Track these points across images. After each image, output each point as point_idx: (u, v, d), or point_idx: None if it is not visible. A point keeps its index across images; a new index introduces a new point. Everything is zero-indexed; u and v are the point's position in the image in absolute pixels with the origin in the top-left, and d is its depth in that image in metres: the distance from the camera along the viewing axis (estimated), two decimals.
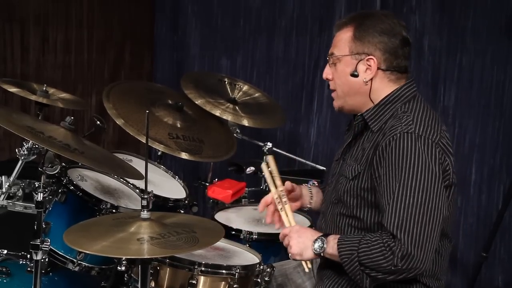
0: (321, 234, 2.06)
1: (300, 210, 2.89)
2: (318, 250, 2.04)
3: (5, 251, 2.64)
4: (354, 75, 2.09)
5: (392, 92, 2.09)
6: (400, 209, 1.92)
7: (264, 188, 3.17)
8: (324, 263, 2.19)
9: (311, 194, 2.39)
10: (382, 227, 1.97)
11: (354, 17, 2.13)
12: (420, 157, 1.94)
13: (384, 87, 2.10)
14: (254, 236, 2.65)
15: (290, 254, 2.10)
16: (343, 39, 2.10)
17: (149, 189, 1.99)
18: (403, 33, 2.09)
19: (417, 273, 1.93)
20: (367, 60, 2.07)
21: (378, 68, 2.08)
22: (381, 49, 2.06)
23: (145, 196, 1.96)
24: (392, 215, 1.92)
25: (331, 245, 2.01)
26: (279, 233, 2.41)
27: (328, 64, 2.17)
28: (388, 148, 1.97)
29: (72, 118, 2.27)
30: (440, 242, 2.05)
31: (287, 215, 2.21)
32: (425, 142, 1.96)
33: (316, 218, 2.66)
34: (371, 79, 2.09)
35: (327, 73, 2.17)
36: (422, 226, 1.90)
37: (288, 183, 2.33)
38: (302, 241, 2.07)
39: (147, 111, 1.96)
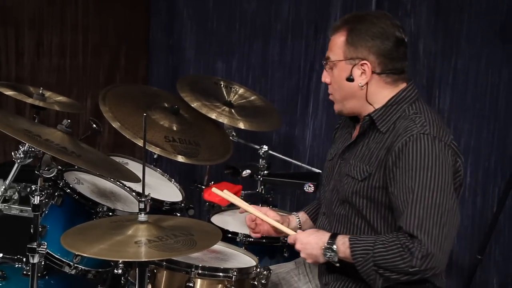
0: (328, 237, 2.05)
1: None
2: (331, 258, 2.04)
3: (1, 255, 2.63)
4: (350, 79, 2.10)
5: (398, 93, 2.11)
6: (419, 209, 1.93)
7: (260, 191, 3.18)
8: (325, 270, 2.19)
9: (299, 225, 2.40)
10: (399, 228, 1.97)
11: (348, 20, 2.13)
12: (437, 158, 1.96)
13: (381, 90, 2.11)
14: (250, 239, 2.65)
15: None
16: (337, 44, 2.12)
17: (146, 192, 1.99)
18: (397, 34, 2.09)
19: (433, 273, 1.94)
20: (361, 64, 2.08)
21: (373, 72, 2.08)
22: (374, 53, 2.07)
23: (143, 199, 1.96)
24: (411, 216, 1.93)
25: (342, 250, 2.02)
26: (275, 236, 2.43)
27: (326, 68, 2.18)
28: (405, 149, 1.97)
29: (69, 121, 2.26)
30: None
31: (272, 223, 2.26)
32: (439, 143, 1.98)
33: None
34: (367, 83, 2.09)
35: (325, 77, 2.18)
36: (441, 226, 1.92)
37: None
38: (310, 252, 2.08)
39: (145, 114, 1.96)
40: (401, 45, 2.10)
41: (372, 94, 2.10)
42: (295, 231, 2.20)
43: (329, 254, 2.03)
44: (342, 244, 2.02)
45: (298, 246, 2.12)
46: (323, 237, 2.07)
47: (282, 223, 2.31)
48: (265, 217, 2.29)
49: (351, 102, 2.14)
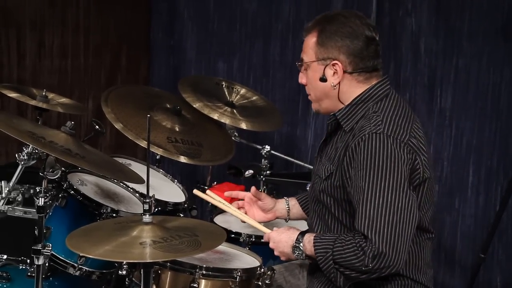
0: (296, 236, 2.11)
1: None
2: (299, 256, 2.11)
3: (5, 256, 2.63)
4: (323, 79, 2.12)
5: (364, 91, 2.12)
6: (370, 209, 1.94)
7: (262, 191, 3.17)
8: (314, 266, 2.21)
9: (288, 207, 2.45)
10: (354, 228, 2.00)
11: (318, 21, 2.15)
12: (389, 157, 1.96)
13: (353, 88, 2.12)
14: (253, 239, 2.65)
15: None
16: (309, 45, 2.14)
17: (150, 193, 1.99)
18: (366, 32, 2.09)
19: (390, 272, 1.95)
20: (333, 64, 2.10)
21: (344, 72, 2.10)
22: (344, 52, 2.08)
23: (147, 200, 1.97)
24: (362, 216, 1.95)
25: (308, 248, 2.07)
26: None
27: (300, 70, 2.21)
28: (358, 148, 1.99)
29: (72, 123, 2.27)
30: (419, 237, 2.08)
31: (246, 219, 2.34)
32: (393, 142, 1.98)
33: None
34: (339, 83, 2.11)
35: (301, 78, 2.21)
36: (392, 226, 1.93)
37: (253, 189, 2.42)
38: (282, 250, 2.15)
39: (148, 115, 1.96)
40: (371, 44, 2.10)
41: (344, 93, 2.12)
42: (271, 229, 2.24)
43: (297, 252, 2.10)
44: (308, 243, 2.07)
45: (271, 245, 2.18)
46: (292, 235, 2.12)
47: (271, 206, 2.41)
48: (244, 217, 2.36)
49: (325, 101, 2.16)
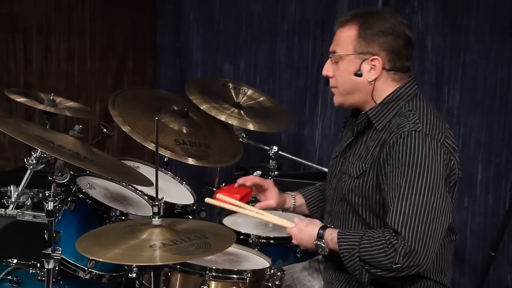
0: (316, 232, 2.07)
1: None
2: (323, 252, 2.09)
3: (15, 261, 2.64)
4: (358, 74, 2.09)
5: (395, 90, 2.10)
6: (406, 206, 1.93)
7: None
8: (331, 266, 2.20)
9: (293, 206, 2.43)
10: (385, 224, 1.98)
11: (358, 14, 2.11)
12: (428, 156, 1.95)
13: (387, 86, 2.11)
14: (262, 240, 2.65)
15: None
16: (347, 38, 2.09)
17: (159, 196, 1.99)
18: (406, 32, 2.09)
19: (417, 271, 1.94)
20: (372, 60, 2.07)
21: (383, 68, 2.08)
22: (386, 49, 2.07)
23: (156, 203, 1.97)
24: (397, 212, 1.93)
25: (331, 245, 2.05)
26: (287, 237, 2.43)
27: (329, 60, 2.15)
28: (396, 145, 1.97)
29: (80, 126, 2.27)
30: (445, 238, 2.06)
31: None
32: (431, 141, 1.98)
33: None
34: (375, 79, 2.09)
35: (328, 70, 2.16)
36: (426, 224, 1.92)
37: (256, 178, 2.40)
38: (306, 246, 2.12)
39: (156, 118, 1.96)
40: (409, 45, 2.10)
41: (378, 90, 2.10)
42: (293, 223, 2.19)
43: (320, 249, 2.08)
44: (331, 240, 2.05)
45: (294, 242, 2.16)
46: (313, 232, 2.09)
47: (278, 202, 2.38)
48: (261, 216, 2.30)
49: (355, 96, 2.13)
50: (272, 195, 2.38)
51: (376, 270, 1.96)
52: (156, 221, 1.96)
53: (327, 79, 2.20)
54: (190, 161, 2.94)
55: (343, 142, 2.27)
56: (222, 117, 3.18)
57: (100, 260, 1.91)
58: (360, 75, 2.08)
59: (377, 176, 2.03)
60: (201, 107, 3.19)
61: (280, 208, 2.43)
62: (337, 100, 2.18)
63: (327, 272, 2.23)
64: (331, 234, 2.05)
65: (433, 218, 1.92)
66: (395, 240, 1.92)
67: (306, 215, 2.50)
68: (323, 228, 2.09)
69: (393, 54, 2.07)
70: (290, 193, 2.46)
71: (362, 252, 1.96)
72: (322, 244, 2.06)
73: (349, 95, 2.13)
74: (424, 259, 1.91)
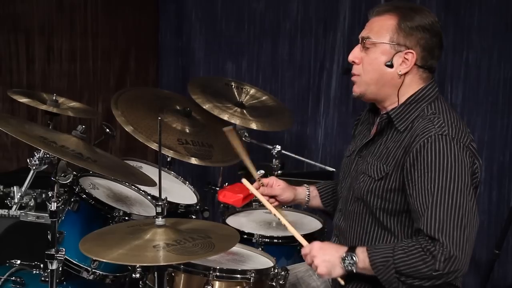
0: (346, 248, 2.01)
1: (311, 211, 2.92)
2: (349, 267, 1.98)
3: (19, 261, 2.64)
4: (389, 65, 2.05)
5: (418, 91, 2.08)
6: (440, 212, 1.90)
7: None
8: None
9: (308, 196, 2.43)
10: (418, 231, 1.94)
11: (399, 6, 2.08)
12: (456, 159, 1.93)
13: (413, 83, 2.08)
14: (266, 240, 2.65)
15: (317, 274, 2.04)
16: (385, 26, 2.05)
17: (162, 196, 1.99)
18: (441, 34, 2.07)
19: (456, 276, 1.91)
20: (406, 53, 2.04)
21: (415, 64, 2.05)
22: (422, 45, 2.04)
23: (160, 203, 1.96)
24: (432, 218, 1.90)
25: (362, 259, 1.97)
26: (291, 236, 2.42)
27: (358, 46, 2.10)
28: (423, 150, 1.95)
29: (83, 127, 2.27)
30: None
31: (287, 226, 2.20)
32: (457, 144, 1.95)
33: (329, 223, 2.66)
34: (405, 74, 2.06)
35: (356, 56, 2.10)
36: (462, 228, 1.89)
37: (272, 179, 2.39)
38: (328, 259, 2.01)
39: (159, 118, 1.96)
40: (441, 46, 2.09)
41: (405, 85, 2.07)
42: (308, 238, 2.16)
43: (348, 262, 1.97)
44: (362, 253, 1.98)
45: (312, 253, 2.04)
46: (341, 248, 2.03)
47: (288, 192, 2.39)
48: (288, 226, 2.21)
49: (380, 88, 2.09)
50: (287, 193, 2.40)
51: (413, 280, 1.92)
52: (160, 221, 1.96)
53: (347, 67, 2.16)
54: (193, 160, 2.94)
55: (357, 141, 2.24)
56: (225, 117, 3.18)
57: (104, 260, 1.90)
58: (391, 66, 2.04)
59: (400, 180, 2.00)
60: (204, 107, 3.19)
61: (291, 201, 2.43)
62: (358, 89, 2.12)
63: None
64: (362, 253, 1.98)
65: (467, 221, 1.90)
66: (433, 247, 1.89)
67: (320, 210, 2.51)
68: (352, 247, 2.01)
69: (427, 52, 2.04)
70: (306, 185, 2.46)
71: (397, 263, 1.92)
72: (353, 256, 1.97)
73: (375, 85, 2.09)
74: (462, 263, 1.89)
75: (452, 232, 1.89)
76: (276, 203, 2.42)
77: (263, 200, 2.33)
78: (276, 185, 2.42)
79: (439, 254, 1.88)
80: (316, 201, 2.47)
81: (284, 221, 2.23)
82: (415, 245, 1.92)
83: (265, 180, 2.41)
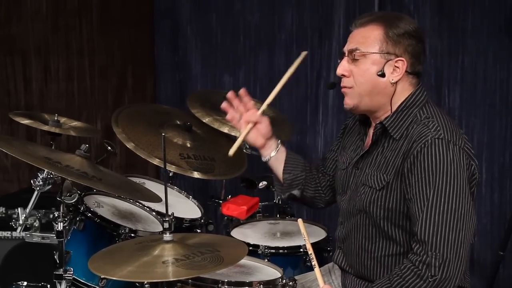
0: None
1: (315, 221, 2.93)
2: None
3: (25, 283, 2.62)
4: (381, 74, 2.05)
5: (408, 97, 2.09)
6: (435, 215, 1.91)
7: (277, 201, 3.18)
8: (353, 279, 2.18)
9: (276, 150, 2.43)
10: (408, 235, 1.96)
11: (380, 15, 2.10)
12: (452, 162, 1.94)
13: (404, 90, 2.09)
14: (272, 250, 2.65)
15: None
16: (372, 36, 2.06)
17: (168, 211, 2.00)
18: (423, 38, 2.10)
19: (452, 285, 1.91)
20: (396, 61, 2.05)
21: (405, 71, 2.06)
22: (410, 52, 2.05)
23: (167, 219, 1.97)
24: (427, 222, 1.91)
25: None
26: (296, 246, 2.43)
27: (345, 59, 2.10)
28: (420, 155, 1.95)
29: (87, 146, 2.28)
30: None
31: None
32: (454, 147, 1.97)
33: (332, 230, 2.67)
34: (397, 81, 2.07)
35: (345, 69, 2.10)
36: (457, 231, 1.90)
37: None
38: None
39: (164, 134, 1.97)
40: (425, 51, 2.11)
41: (397, 93, 2.08)
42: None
43: None
44: None
45: None
46: None
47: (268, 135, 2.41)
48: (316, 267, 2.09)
49: (374, 98, 2.09)
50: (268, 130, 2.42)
51: None
52: (167, 236, 1.97)
53: (333, 82, 2.19)
54: (196, 174, 2.94)
55: (351, 153, 2.24)
56: (225, 129, 3.19)
57: (114, 278, 1.90)
58: (384, 75, 2.05)
59: (401, 187, 2.00)
60: (204, 120, 3.20)
61: (264, 137, 2.41)
62: (350, 102, 2.12)
63: (346, 278, 2.21)
64: None
65: (463, 225, 1.91)
66: (424, 254, 1.90)
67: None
68: None
69: (415, 58, 2.06)
70: (280, 142, 2.43)
71: None
72: None
73: (368, 96, 2.09)
74: (457, 268, 1.89)
75: (447, 235, 1.90)
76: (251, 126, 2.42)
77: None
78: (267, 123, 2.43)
79: (433, 259, 1.89)
80: (277, 163, 2.42)
81: (308, 246, 2.12)
82: (407, 266, 1.93)
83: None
